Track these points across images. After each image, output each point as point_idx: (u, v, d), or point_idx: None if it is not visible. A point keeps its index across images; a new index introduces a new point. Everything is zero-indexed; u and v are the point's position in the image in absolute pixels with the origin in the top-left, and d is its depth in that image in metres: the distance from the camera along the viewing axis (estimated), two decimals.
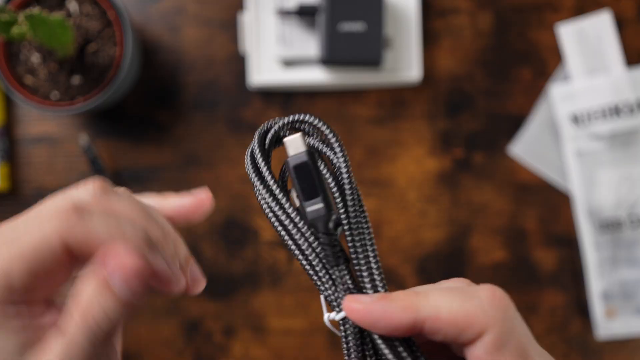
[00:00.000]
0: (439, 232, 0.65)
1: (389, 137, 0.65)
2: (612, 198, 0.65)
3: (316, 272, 0.30)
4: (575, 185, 0.65)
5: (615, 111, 0.65)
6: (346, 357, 0.29)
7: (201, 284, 0.34)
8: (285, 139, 0.30)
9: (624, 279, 0.65)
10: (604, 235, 0.65)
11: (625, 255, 0.65)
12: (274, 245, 0.65)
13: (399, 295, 0.28)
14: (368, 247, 0.30)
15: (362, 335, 0.29)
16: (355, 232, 0.30)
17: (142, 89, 0.65)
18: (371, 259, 0.30)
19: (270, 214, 0.30)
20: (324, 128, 0.30)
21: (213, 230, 0.65)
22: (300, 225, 0.29)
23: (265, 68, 0.64)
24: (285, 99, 0.65)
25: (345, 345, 0.29)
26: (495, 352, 0.26)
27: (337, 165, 0.30)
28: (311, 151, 0.30)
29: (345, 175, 0.29)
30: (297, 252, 0.30)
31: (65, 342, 0.27)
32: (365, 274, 0.30)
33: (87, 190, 0.32)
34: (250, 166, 0.30)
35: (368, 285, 0.29)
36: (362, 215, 0.30)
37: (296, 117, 0.30)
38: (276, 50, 0.63)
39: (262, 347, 0.65)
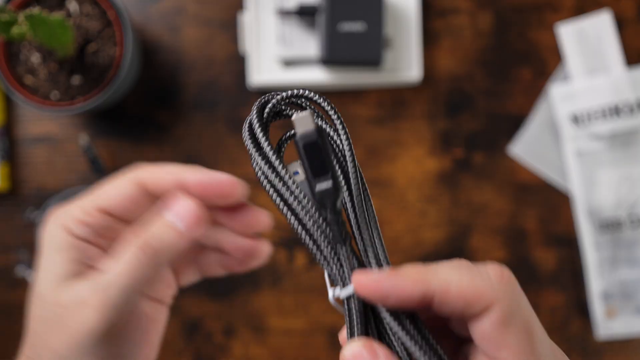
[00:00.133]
0: (439, 232, 0.65)
1: (389, 137, 0.65)
2: (612, 198, 0.65)
3: (321, 250, 0.30)
4: (575, 185, 0.65)
5: (615, 111, 0.65)
6: (349, 335, 0.29)
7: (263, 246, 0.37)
8: (294, 117, 0.29)
9: (624, 279, 0.65)
10: (604, 235, 0.65)
11: (625, 255, 0.65)
12: (275, 245, 0.65)
13: (409, 269, 0.28)
14: (372, 225, 0.30)
15: (366, 312, 0.29)
16: (358, 211, 0.30)
17: (142, 89, 0.65)
18: (375, 236, 0.30)
19: (271, 190, 0.30)
20: (324, 104, 0.30)
21: None
22: (304, 202, 0.29)
23: (265, 68, 0.64)
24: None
25: (348, 323, 0.29)
26: (502, 326, 0.27)
27: (338, 142, 0.30)
28: (320, 129, 0.29)
29: (347, 153, 0.29)
30: (300, 229, 0.30)
31: (119, 262, 0.30)
32: (369, 251, 0.30)
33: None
34: (249, 139, 0.30)
35: (372, 262, 0.30)
36: (365, 193, 0.30)
37: (295, 92, 0.30)
38: (276, 50, 0.63)
39: (262, 347, 0.65)
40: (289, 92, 0.30)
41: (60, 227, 0.32)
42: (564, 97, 0.65)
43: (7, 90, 0.57)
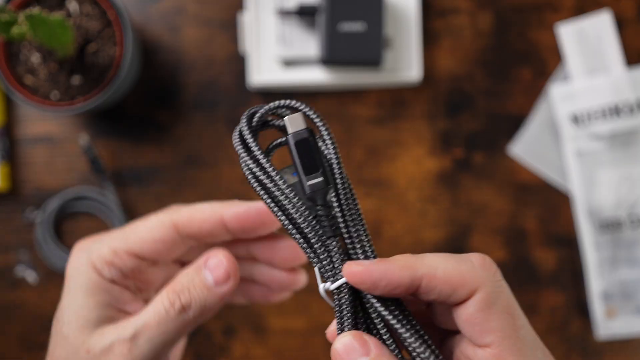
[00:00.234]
0: (439, 232, 0.65)
1: (389, 137, 0.65)
2: (612, 198, 0.65)
3: (311, 245, 0.31)
4: (575, 185, 0.65)
5: (615, 111, 0.65)
6: (338, 327, 0.30)
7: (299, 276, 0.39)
8: (286, 117, 0.32)
9: (624, 279, 0.65)
10: (604, 235, 0.65)
11: (625, 255, 0.65)
12: None
13: (397, 257, 0.30)
14: (357, 219, 0.32)
15: (355, 304, 0.31)
16: (345, 206, 0.31)
17: (142, 89, 0.65)
18: (361, 230, 0.32)
19: (261, 190, 0.32)
20: (310, 113, 0.32)
21: None
22: (295, 200, 0.31)
23: (265, 68, 0.64)
24: (285, 99, 0.65)
25: (338, 315, 0.30)
26: (486, 309, 0.28)
27: (324, 147, 0.32)
28: (311, 129, 0.31)
29: (334, 157, 0.31)
30: (290, 226, 0.31)
31: (148, 312, 0.30)
32: (357, 243, 0.31)
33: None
34: (239, 144, 0.32)
35: (360, 254, 0.31)
36: (350, 188, 0.32)
37: (282, 102, 0.32)
38: (276, 50, 0.63)
39: (262, 347, 0.65)
40: (276, 103, 0.33)
41: (89, 266, 0.32)
42: (564, 97, 0.65)
43: (7, 90, 0.57)
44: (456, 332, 0.31)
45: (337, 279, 0.30)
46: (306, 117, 0.32)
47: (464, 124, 0.66)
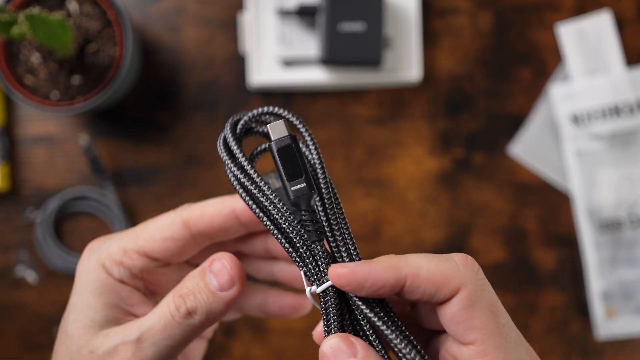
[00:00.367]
0: (439, 232, 0.65)
1: (389, 137, 0.65)
2: (612, 198, 0.65)
3: (296, 249, 0.31)
4: (575, 185, 0.65)
5: (615, 111, 0.65)
6: (326, 330, 0.31)
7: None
8: (269, 124, 0.32)
9: (624, 279, 0.65)
10: (604, 235, 0.65)
11: (625, 255, 0.65)
12: None
13: (381, 258, 0.30)
14: (342, 223, 0.32)
15: (341, 307, 0.31)
16: (329, 210, 0.32)
17: (142, 89, 0.65)
18: (346, 234, 0.32)
19: (246, 196, 0.32)
20: (293, 119, 0.32)
21: None
22: (280, 205, 0.31)
23: (265, 68, 0.64)
24: (285, 99, 0.65)
25: (325, 317, 0.31)
26: (470, 307, 0.28)
27: (307, 153, 0.32)
28: (294, 135, 0.32)
29: (317, 162, 0.32)
30: (275, 231, 0.31)
31: (154, 315, 0.29)
32: (341, 246, 0.32)
33: None
34: (224, 151, 0.32)
35: (345, 257, 0.31)
36: (334, 193, 0.32)
37: (265, 109, 0.33)
38: (276, 50, 0.63)
39: (262, 347, 0.65)
40: (259, 110, 0.33)
41: (99, 266, 0.31)
42: (564, 97, 0.65)
43: (7, 90, 0.57)
44: (441, 332, 0.31)
45: (323, 282, 0.31)
46: (289, 123, 0.32)
47: (464, 124, 0.66)
